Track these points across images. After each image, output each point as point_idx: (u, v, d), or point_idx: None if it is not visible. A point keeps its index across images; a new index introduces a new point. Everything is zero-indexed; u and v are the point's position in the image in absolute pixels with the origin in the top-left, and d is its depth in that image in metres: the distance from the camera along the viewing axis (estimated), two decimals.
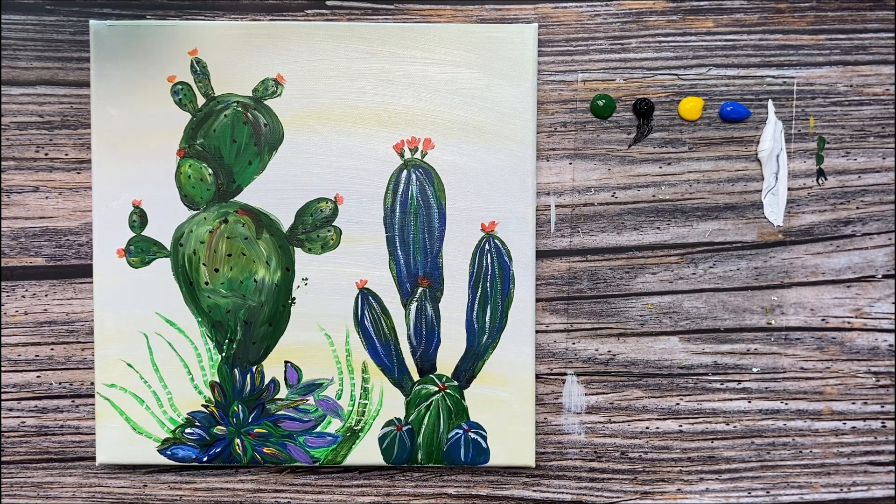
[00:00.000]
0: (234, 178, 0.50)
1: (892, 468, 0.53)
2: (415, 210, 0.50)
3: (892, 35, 0.51)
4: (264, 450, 0.51)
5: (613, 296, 0.52)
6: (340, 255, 0.50)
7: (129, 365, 0.50)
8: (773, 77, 0.51)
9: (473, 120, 0.50)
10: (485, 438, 0.51)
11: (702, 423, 0.52)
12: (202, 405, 0.51)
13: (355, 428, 0.51)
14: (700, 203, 0.52)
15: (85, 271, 0.51)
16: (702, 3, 0.51)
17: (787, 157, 0.52)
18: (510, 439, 0.51)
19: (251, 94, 0.50)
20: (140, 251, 0.50)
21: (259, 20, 0.51)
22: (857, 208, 0.52)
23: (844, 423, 0.52)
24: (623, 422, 0.52)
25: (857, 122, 0.52)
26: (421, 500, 0.53)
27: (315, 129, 0.50)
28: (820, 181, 0.52)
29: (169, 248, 0.50)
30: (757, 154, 0.52)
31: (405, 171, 0.50)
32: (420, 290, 0.50)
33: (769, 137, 0.51)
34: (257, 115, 0.50)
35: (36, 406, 0.52)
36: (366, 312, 0.51)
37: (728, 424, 0.52)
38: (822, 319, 0.52)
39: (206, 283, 0.50)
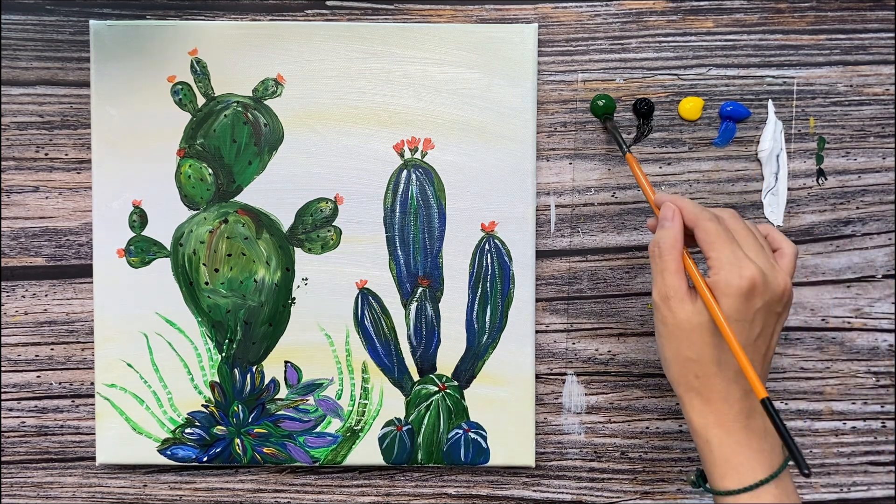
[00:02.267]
0: (234, 178, 0.50)
1: (892, 468, 0.53)
2: (415, 210, 0.50)
3: (892, 35, 0.51)
4: (264, 450, 0.51)
5: (613, 296, 0.52)
6: (340, 255, 0.50)
7: (129, 365, 0.50)
8: (773, 77, 0.51)
9: (473, 120, 0.50)
10: (485, 438, 0.51)
11: None
12: (202, 405, 0.51)
13: (355, 428, 0.51)
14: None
15: (85, 271, 0.51)
16: (702, 3, 0.51)
17: (787, 157, 0.52)
18: (510, 439, 0.51)
19: (251, 94, 0.50)
20: (140, 251, 0.50)
21: (259, 20, 0.51)
22: (857, 208, 0.52)
23: (844, 423, 0.52)
24: (623, 422, 0.52)
25: (857, 122, 0.52)
26: (421, 500, 0.53)
27: (315, 129, 0.50)
28: (820, 181, 0.52)
29: (169, 248, 0.50)
30: (757, 154, 0.52)
31: (405, 171, 0.50)
32: (420, 290, 0.50)
33: (769, 137, 0.51)
34: (257, 115, 0.50)
35: (36, 406, 0.52)
36: (366, 312, 0.51)
37: None
38: (822, 319, 0.52)
39: (206, 283, 0.50)
